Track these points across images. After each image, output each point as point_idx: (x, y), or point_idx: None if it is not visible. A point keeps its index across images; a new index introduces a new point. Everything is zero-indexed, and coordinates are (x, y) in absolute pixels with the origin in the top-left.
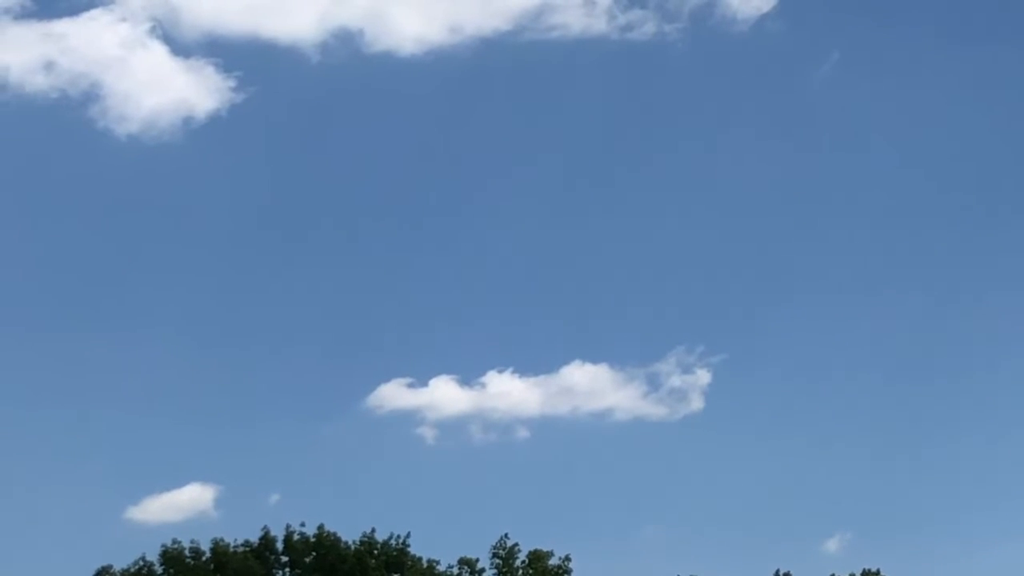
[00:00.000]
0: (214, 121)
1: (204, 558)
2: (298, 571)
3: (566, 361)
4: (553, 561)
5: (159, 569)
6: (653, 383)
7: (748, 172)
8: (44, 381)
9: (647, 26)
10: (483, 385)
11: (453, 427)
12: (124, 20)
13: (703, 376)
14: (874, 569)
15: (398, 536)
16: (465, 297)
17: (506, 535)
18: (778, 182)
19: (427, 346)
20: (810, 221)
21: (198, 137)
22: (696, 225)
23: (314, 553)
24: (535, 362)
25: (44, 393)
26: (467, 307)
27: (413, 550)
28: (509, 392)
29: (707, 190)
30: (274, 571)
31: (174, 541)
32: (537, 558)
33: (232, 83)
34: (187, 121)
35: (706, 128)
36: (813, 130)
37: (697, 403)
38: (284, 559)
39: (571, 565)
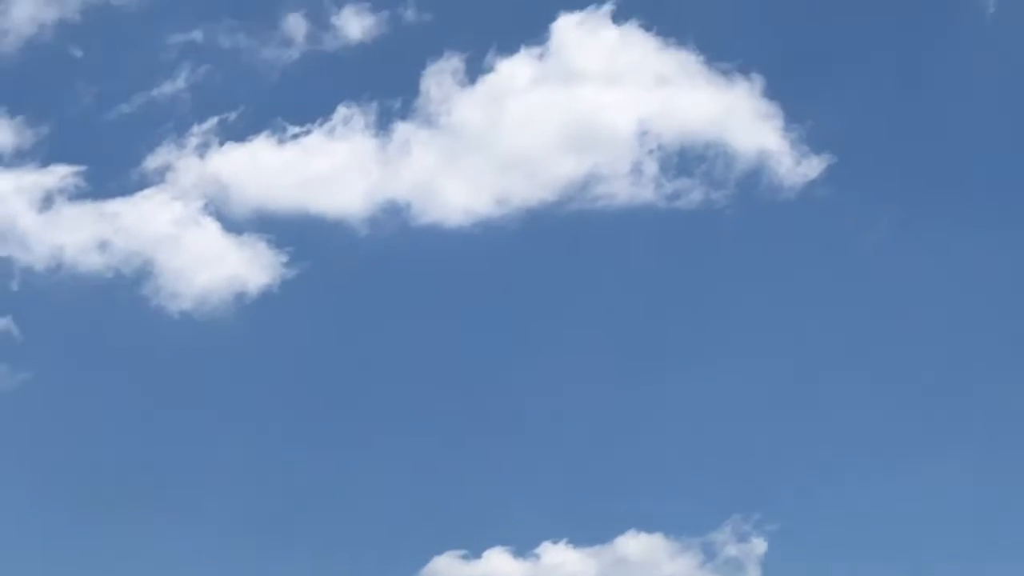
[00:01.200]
0: (266, 296)
1: None
2: None
3: (621, 531)
4: None
5: None
6: (709, 553)
7: (799, 338)
8: (95, 564)
9: (694, 194)
10: (537, 557)
11: None
12: (177, 199)
13: (759, 545)
14: None
15: None
16: (517, 467)
17: None
18: (830, 349)
19: (480, 517)
20: (865, 388)
21: (250, 312)
22: (749, 392)
23: None
24: (590, 532)
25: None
26: (519, 477)
27: None
28: (564, 563)
29: (758, 357)
30: None
31: None
32: None
33: (284, 258)
34: (239, 297)
35: (755, 295)
36: (863, 296)
37: (754, 572)
38: None
39: None
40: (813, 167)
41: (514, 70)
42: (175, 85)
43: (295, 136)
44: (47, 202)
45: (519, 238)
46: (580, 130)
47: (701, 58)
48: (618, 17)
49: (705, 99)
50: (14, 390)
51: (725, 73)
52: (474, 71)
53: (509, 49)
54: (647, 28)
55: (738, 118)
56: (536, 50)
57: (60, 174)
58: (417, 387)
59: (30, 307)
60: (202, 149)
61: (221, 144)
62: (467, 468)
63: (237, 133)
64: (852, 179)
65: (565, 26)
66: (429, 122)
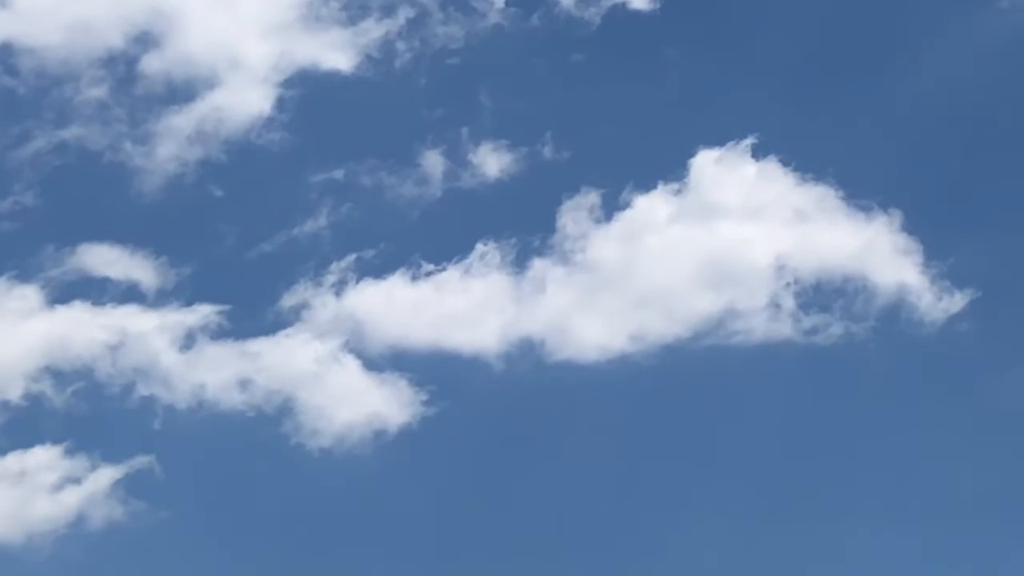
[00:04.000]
0: (405, 434)
1: None
2: None
3: None
4: None
5: None
6: None
7: (943, 479)
8: None
9: (833, 328)
10: None
11: None
12: (317, 337)
13: None
14: None
15: None
16: None
17: None
18: (976, 491)
19: None
20: (1015, 529)
21: (389, 450)
22: (895, 533)
23: None
24: None
25: None
26: None
27: None
28: None
29: (904, 497)
30: None
31: None
32: None
33: (424, 396)
34: (379, 435)
35: (897, 432)
36: (1006, 434)
37: None
38: None
39: None
40: (955, 302)
41: (651, 206)
42: (316, 223)
43: (429, 274)
44: (189, 341)
45: (654, 374)
46: (717, 265)
47: (840, 193)
48: (757, 152)
49: (843, 234)
50: (154, 528)
51: (864, 208)
52: (611, 207)
53: (646, 185)
54: (786, 163)
55: (877, 253)
56: (674, 186)
57: (202, 313)
58: (553, 527)
59: (172, 446)
60: (339, 287)
61: (357, 281)
62: None
63: (374, 270)
64: (995, 313)
65: (704, 162)
66: (565, 259)
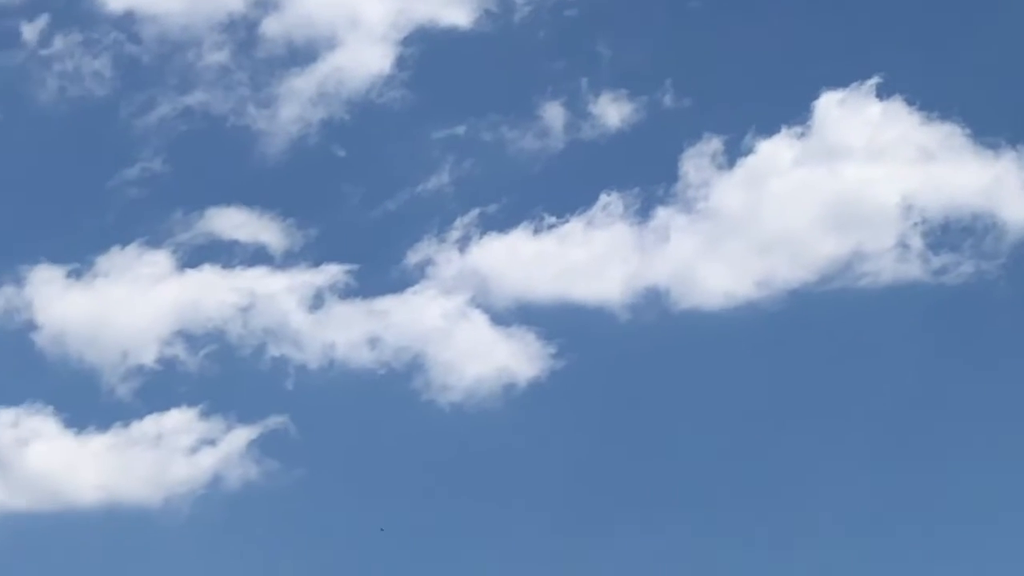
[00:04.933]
0: (534, 387)
1: None
2: None
3: None
4: None
5: None
6: None
7: None
8: None
9: (963, 267)
10: None
11: None
12: (443, 293)
13: None
14: None
15: None
16: (802, 556)
17: None
18: None
19: None
20: None
21: (519, 404)
22: None
23: None
24: None
25: None
26: (814, 555)
27: None
28: None
29: None
30: None
31: None
32: None
33: (552, 350)
34: (508, 389)
35: None
36: None
37: None
38: None
39: None
40: None
41: (775, 150)
42: (439, 180)
43: (552, 226)
44: (318, 301)
45: (782, 320)
46: (843, 208)
47: (966, 131)
48: (882, 92)
49: (971, 172)
50: (289, 487)
51: (991, 145)
52: (733, 153)
53: (769, 129)
54: (910, 102)
55: (1006, 189)
56: (797, 129)
57: (330, 273)
58: (684, 476)
59: (304, 405)
60: (463, 242)
61: (481, 236)
62: (747, 556)
63: (497, 225)
64: None
65: (827, 104)
66: (688, 206)
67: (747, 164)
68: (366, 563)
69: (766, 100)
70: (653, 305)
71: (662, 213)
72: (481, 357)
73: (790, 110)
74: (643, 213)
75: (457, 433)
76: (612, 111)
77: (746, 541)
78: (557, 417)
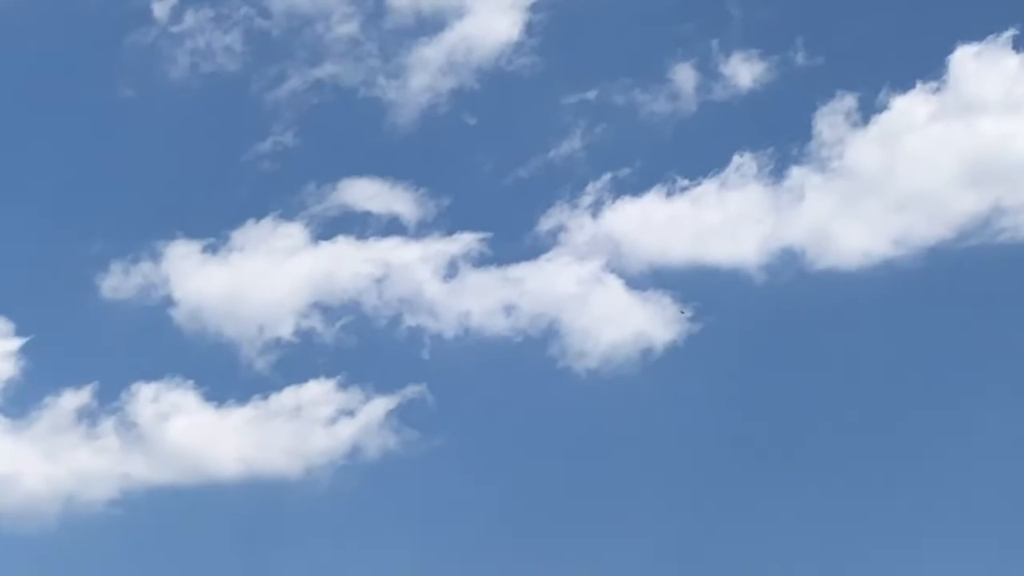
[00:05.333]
0: (671, 351)
1: None
2: None
3: None
4: None
5: None
6: None
7: None
8: None
9: None
10: None
11: None
12: (578, 259)
13: None
14: None
15: None
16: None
17: None
18: None
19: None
20: None
21: (656, 369)
22: None
23: None
24: None
25: None
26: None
27: None
28: None
29: None
30: None
31: None
32: None
33: (688, 313)
34: (645, 353)
35: None
36: None
37: None
38: None
39: None
40: None
41: (910, 106)
42: (571, 145)
43: (685, 189)
44: (452, 270)
45: (920, 278)
46: (981, 163)
47: None
48: (1019, 44)
49: None
50: (428, 455)
51: None
52: (867, 110)
53: (903, 85)
54: None
55: None
56: (932, 84)
57: (463, 242)
58: (824, 436)
59: (441, 374)
60: (595, 207)
61: (614, 201)
62: (890, 518)
63: (630, 189)
64: None
65: (963, 57)
66: (822, 165)
67: (882, 121)
68: (505, 530)
69: (900, 55)
70: (789, 266)
71: (796, 173)
72: (617, 322)
73: (925, 65)
74: (777, 173)
75: (594, 399)
76: (743, 71)
77: (887, 504)
78: (694, 381)
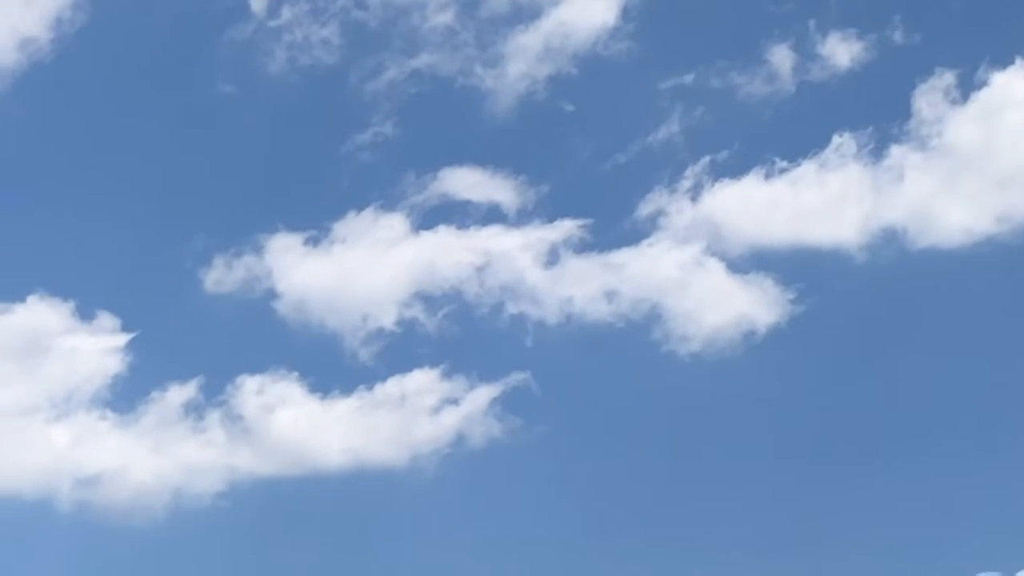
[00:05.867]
0: (775, 334)
1: None
2: None
3: None
4: None
5: None
6: None
7: None
8: None
9: None
10: None
11: None
12: (678, 244)
13: None
14: None
15: None
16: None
17: None
18: None
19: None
20: None
21: (760, 351)
22: None
23: None
24: None
25: None
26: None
27: None
28: None
29: None
30: None
31: None
32: None
33: (791, 295)
34: (748, 336)
35: None
36: None
37: None
38: None
39: None
40: None
41: (1009, 82)
42: (669, 129)
43: (784, 170)
44: (553, 256)
45: (1021, 254)
46: None
47: None
48: None
49: None
50: (532, 443)
51: None
52: (967, 87)
53: (1003, 61)
54: None
55: None
56: None
57: (564, 228)
58: (929, 415)
59: (545, 361)
60: (694, 191)
61: (713, 184)
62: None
63: (728, 171)
64: None
65: None
66: (922, 144)
67: (981, 98)
68: (610, 516)
69: (999, 31)
70: (890, 245)
71: (896, 152)
72: (719, 305)
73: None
74: (876, 153)
75: (698, 383)
76: (841, 51)
77: (993, 481)
78: (799, 363)
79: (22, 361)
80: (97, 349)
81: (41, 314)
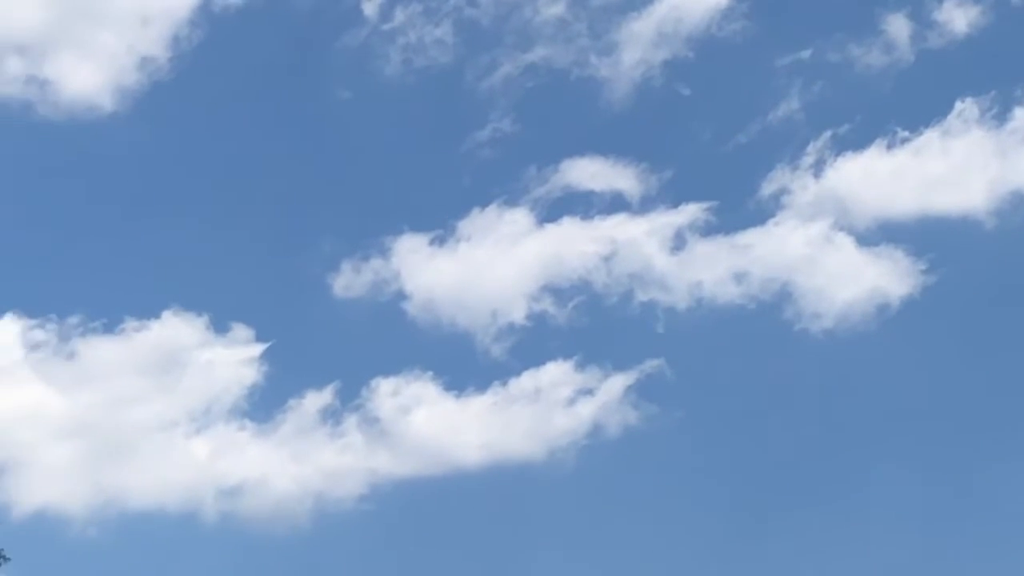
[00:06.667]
0: (908, 306)
1: None
2: None
3: None
4: None
5: None
6: None
7: None
8: None
9: None
10: None
11: None
12: (805, 221)
13: None
14: None
15: None
16: None
17: None
18: None
19: None
20: None
21: (894, 324)
22: None
23: None
24: None
25: None
26: None
27: None
28: None
29: None
30: None
31: None
32: None
33: (922, 265)
34: (881, 310)
35: None
36: None
37: None
38: None
39: None
40: None
41: None
42: (788, 106)
43: (906, 140)
44: (679, 242)
45: None
46: None
47: None
48: None
49: None
50: (669, 429)
51: None
52: None
53: None
54: None
55: None
56: None
57: (689, 213)
58: None
59: (677, 346)
60: (817, 167)
61: (835, 158)
62: None
63: (851, 145)
64: None
65: None
66: None
67: None
68: (751, 497)
69: None
70: (1019, 209)
71: (1020, 114)
72: (850, 280)
73: None
74: (1000, 117)
75: (833, 360)
76: (958, 16)
77: None
78: (935, 333)
79: (160, 377)
80: (233, 360)
81: (176, 329)
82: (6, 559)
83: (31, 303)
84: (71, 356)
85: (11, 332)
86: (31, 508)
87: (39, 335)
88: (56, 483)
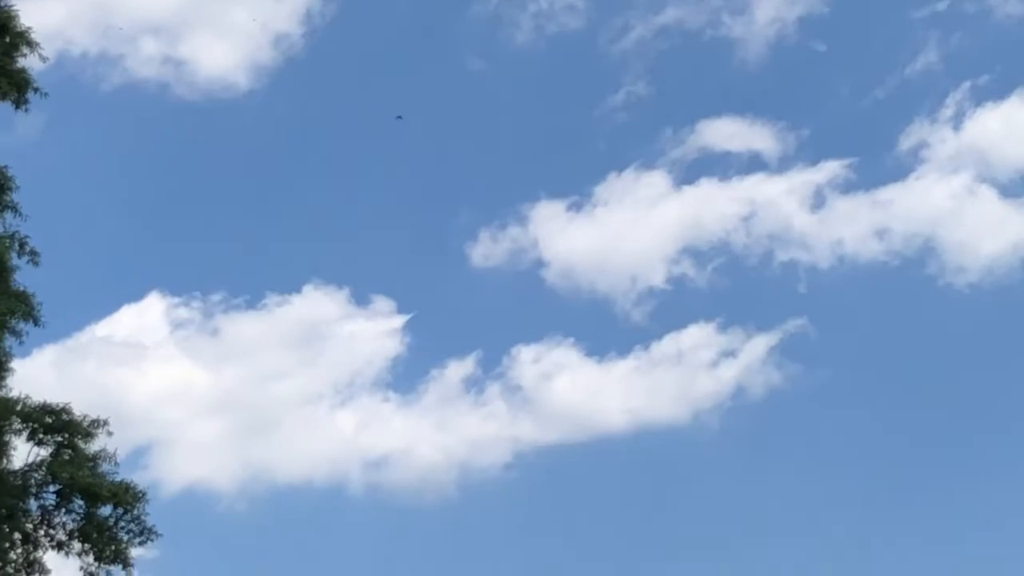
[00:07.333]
0: None
1: None
2: None
3: None
4: None
5: None
6: None
7: None
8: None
9: None
10: None
11: None
12: (947, 174)
13: None
14: None
15: None
16: None
17: None
18: None
19: None
20: None
21: None
22: None
23: None
24: None
25: None
26: None
27: None
28: None
29: None
30: None
31: None
32: None
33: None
34: None
35: None
36: None
37: None
38: None
39: None
40: None
41: None
42: (926, 59)
43: None
44: (819, 199)
45: None
46: None
47: None
48: None
49: None
50: (814, 389)
51: None
52: None
53: None
54: None
55: None
56: None
57: (828, 170)
58: None
59: (820, 305)
60: (956, 119)
61: (975, 110)
62: None
63: (991, 95)
64: None
65: None
66: None
67: None
68: (907, 452)
69: None
70: None
71: None
72: (994, 232)
73: None
74: None
75: (979, 314)
76: None
77: None
78: None
79: (303, 350)
80: (375, 333)
81: (318, 303)
82: (158, 535)
83: (174, 281)
84: (215, 333)
85: (156, 310)
86: (180, 484)
87: (183, 313)
88: (204, 459)
